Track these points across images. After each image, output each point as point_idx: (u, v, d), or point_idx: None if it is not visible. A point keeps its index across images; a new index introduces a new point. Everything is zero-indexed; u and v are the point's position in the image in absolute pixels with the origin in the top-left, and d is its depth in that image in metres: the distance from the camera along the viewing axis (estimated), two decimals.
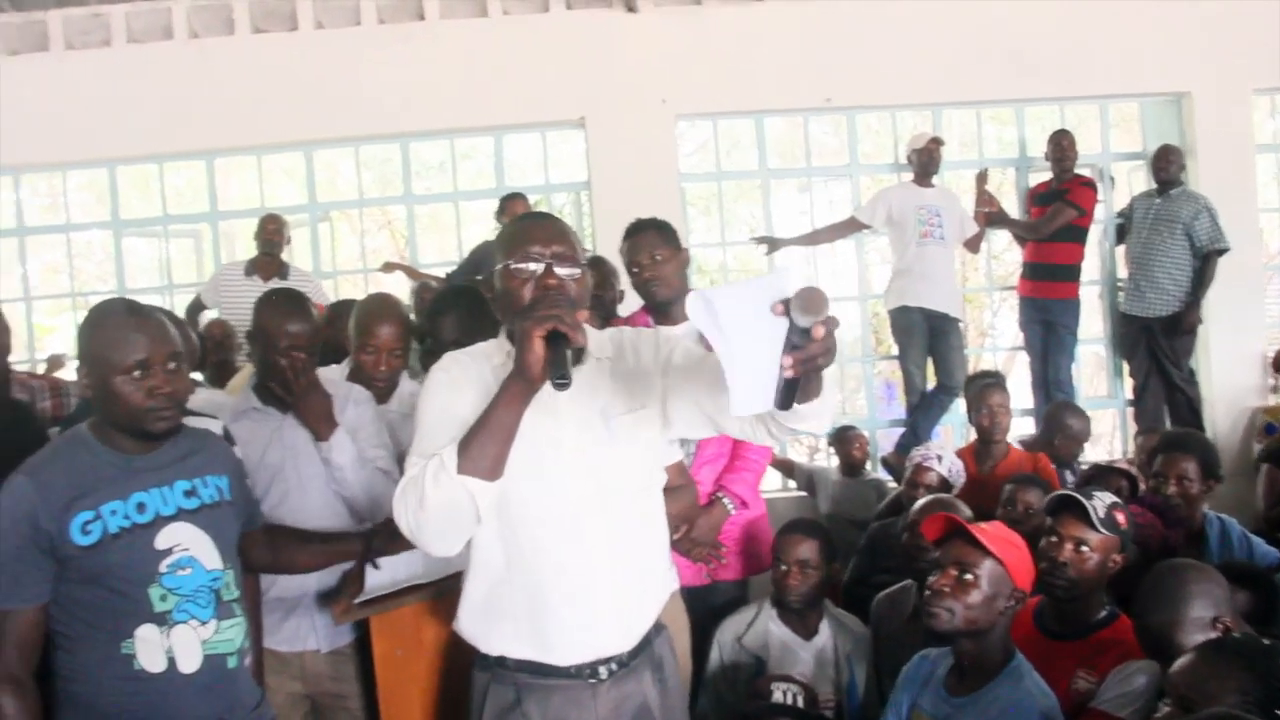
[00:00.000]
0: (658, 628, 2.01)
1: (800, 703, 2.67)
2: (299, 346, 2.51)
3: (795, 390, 1.39)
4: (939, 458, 3.80)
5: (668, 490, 2.48)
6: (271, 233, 5.35)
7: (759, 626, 3.02)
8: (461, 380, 1.83)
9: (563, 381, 1.59)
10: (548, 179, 6.14)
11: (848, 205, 6.05)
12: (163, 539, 1.96)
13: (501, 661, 1.90)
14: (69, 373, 5.32)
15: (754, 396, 1.39)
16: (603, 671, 1.89)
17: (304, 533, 2.46)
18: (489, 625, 1.90)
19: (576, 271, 1.82)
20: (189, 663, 1.96)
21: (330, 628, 2.58)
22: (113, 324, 1.94)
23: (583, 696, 1.88)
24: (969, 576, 2.23)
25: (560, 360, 1.60)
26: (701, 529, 2.91)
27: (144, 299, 5.93)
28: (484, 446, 1.68)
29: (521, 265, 1.80)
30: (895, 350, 5.68)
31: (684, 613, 2.69)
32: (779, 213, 6.34)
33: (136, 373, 1.90)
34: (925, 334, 5.51)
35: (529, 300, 1.77)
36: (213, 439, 2.19)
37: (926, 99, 5.95)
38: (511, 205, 5.32)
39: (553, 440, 1.83)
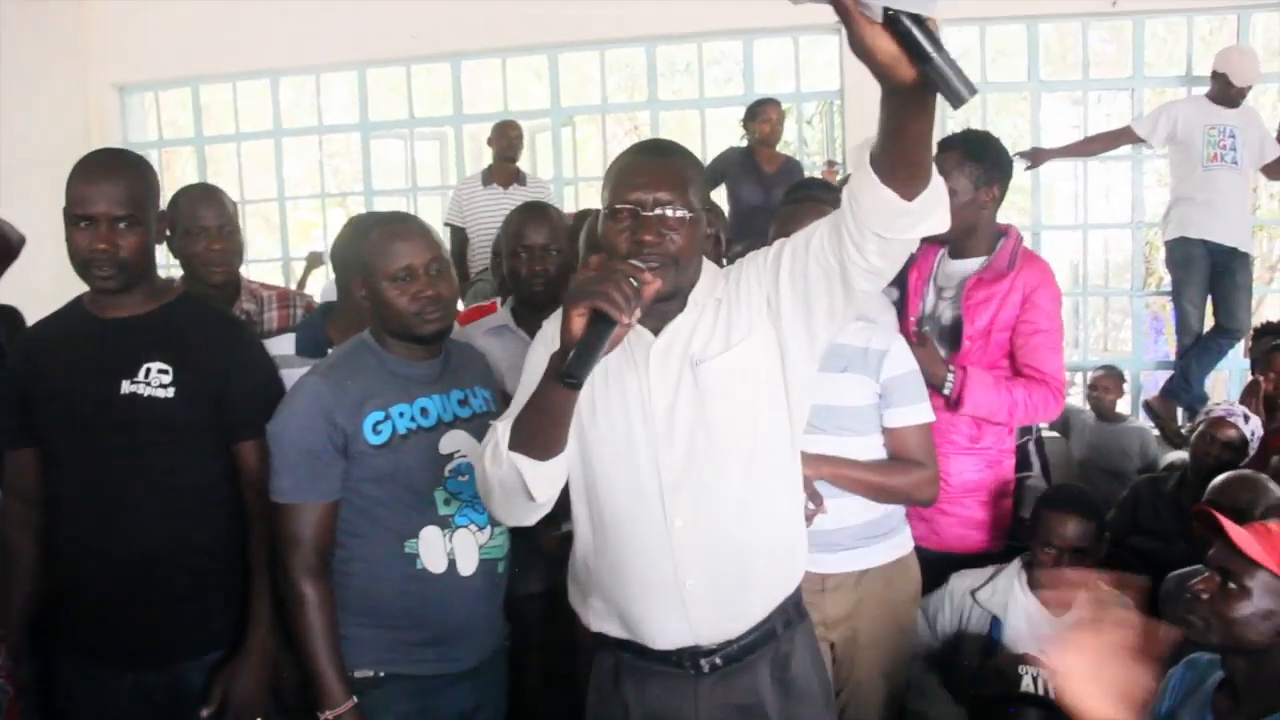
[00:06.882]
0: (787, 619, 1.74)
1: (1053, 694, 2.23)
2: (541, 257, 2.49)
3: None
4: (1245, 417, 3.42)
5: (897, 461, 2.22)
6: (514, 139, 5.35)
7: (1000, 585, 2.58)
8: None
9: (571, 380, 1.36)
10: (798, 86, 5.85)
11: (1127, 120, 5.48)
12: (445, 444, 2.01)
13: (602, 639, 1.75)
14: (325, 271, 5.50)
15: None
16: (704, 664, 1.68)
17: None
18: (583, 599, 1.76)
19: (685, 215, 1.53)
20: (467, 565, 2.01)
21: None
22: (376, 234, 1.98)
23: (682, 688, 1.69)
24: (1233, 586, 1.78)
25: (585, 350, 1.35)
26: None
27: (390, 200, 6.17)
28: (533, 425, 1.48)
29: (619, 207, 1.53)
30: (1168, 284, 5.17)
31: (916, 579, 2.41)
32: (1048, 128, 5.80)
33: (403, 279, 1.93)
34: (1207, 269, 4.94)
35: (623, 252, 1.51)
36: (474, 352, 2.22)
37: (1232, 0, 5.25)
38: (765, 111, 5.10)
39: (640, 401, 1.62)
